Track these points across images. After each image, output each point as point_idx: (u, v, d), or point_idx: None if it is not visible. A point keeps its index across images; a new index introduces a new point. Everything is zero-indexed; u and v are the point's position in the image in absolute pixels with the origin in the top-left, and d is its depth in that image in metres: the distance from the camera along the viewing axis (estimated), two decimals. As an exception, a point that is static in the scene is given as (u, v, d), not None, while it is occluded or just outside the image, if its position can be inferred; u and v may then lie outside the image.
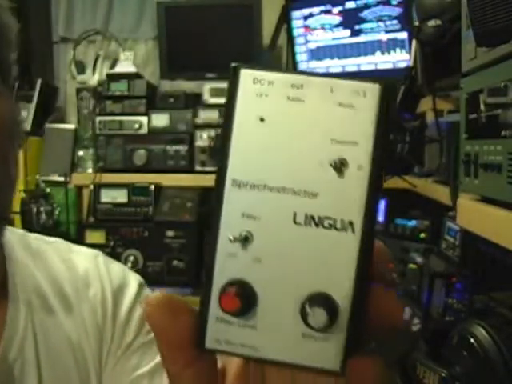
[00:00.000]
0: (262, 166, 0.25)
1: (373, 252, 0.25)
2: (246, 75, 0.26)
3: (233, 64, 0.26)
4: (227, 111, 0.25)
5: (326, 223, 0.25)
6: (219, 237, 0.25)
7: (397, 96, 0.25)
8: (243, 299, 0.24)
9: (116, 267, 0.68)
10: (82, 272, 0.63)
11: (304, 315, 0.24)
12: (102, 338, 0.61)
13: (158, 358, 0.62)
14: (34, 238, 0.66)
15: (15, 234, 0.63)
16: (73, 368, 0.58)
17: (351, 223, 0.25)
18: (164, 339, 0.25)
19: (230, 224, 0.25)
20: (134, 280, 0.67)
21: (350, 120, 0.24)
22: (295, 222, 0.25)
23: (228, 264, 0.25)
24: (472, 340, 0.73)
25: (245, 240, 0.25)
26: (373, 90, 0.24)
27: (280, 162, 0.25)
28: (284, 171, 0.25)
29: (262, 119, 0.25)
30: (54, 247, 0.65)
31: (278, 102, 0.25)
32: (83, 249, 0.69)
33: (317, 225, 0.25)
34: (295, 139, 0.25)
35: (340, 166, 0.24)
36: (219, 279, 0.25)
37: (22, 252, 0.62)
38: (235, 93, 0.25)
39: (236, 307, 0.24)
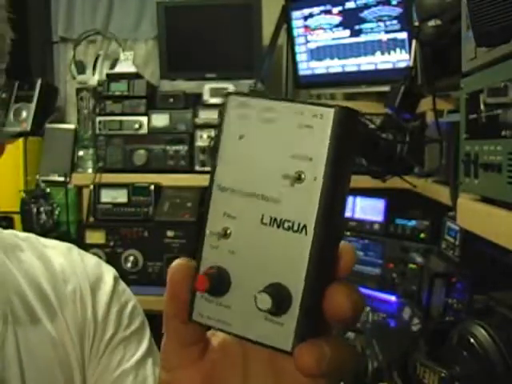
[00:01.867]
0: (240, 175, 0.30)
1: (331, 252, 0.30)
2: (234, 100, 0.31)
3: (226, 90, 0.30)
4: (218, 129, 0.31)
5: (285, 225, 0.29)
6: (206, 230, 0.31)
7: (358, 121, 0.25)
8: (215, 281, 0.30)
9: (91, 260, 0.68)
10: (58, 268, 0.63)
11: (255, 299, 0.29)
12: (84, 334, 0.62)
13: (140, 351, 0.64)
14: (7, 233, 0.66)
15: None
16: (56, 366, 0.58)
17: (305, 226, 0.29)
18: (177, 298, 0.32)
19: (214, 221, 0.31)
20: (109, 274, 0.67)
21: (308, 138, 0.29)
22: (262, 222, 0.30)
23: (211, 253, 0.31)
24: (472, 340, 0.73)
25: (224, 235, 0.31)
26: (328, 113, 0.28)
27: (253, 172, 0.30)
28: (255, 180, 0.30)
29: (241, 137, 0.30)
30: (27, 243, 0.65)
31: (254, 123, 0.30)
32: (55, 242, 0.68)
33: (278, 226, 0.29)
34: (265, 154, 0.30)
35: (298, 178, 0.29)
36: (204, 265, 0.31)
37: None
38: (224, 114, 0.31)
39: (205, 287, 0.30)
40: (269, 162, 0.30)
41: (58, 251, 0.66)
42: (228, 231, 0.30)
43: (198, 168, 1.99)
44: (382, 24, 1.87)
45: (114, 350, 0.63)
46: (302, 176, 0.29)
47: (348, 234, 1.91)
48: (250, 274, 0.30)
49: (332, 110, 0.28)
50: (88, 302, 0.63)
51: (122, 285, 0.68)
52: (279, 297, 0.28)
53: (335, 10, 1.97)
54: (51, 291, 0.61)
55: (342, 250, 0.30)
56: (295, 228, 0.29)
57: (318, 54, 2.06)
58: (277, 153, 0.29)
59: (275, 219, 0.29)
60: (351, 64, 1.98)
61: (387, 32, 1.87)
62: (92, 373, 0.62)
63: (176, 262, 0.33)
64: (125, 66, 2.09)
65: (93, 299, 0.63)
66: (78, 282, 0.63)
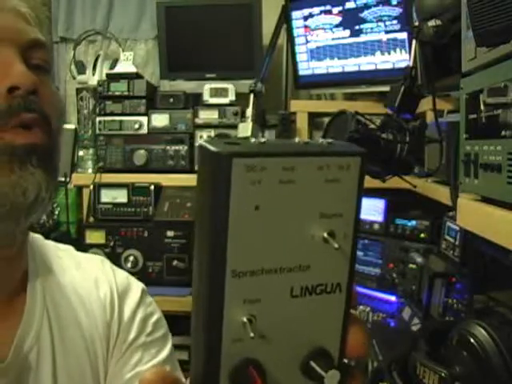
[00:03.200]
0: (259, 252, 0.25)
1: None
2: (239, 165, 0.24)
3: (214, 149, 0.24)
4: (220, 203, 0.24)
5: (318, 290, 0.27)
6: (224, 327, 0.25)
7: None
8: (264, 379, 0.26)
9: (122, 273, 0.74)
10: (92, 276, 0.70)
11: (308, 372, 0.27)
12: (110, 332, 0.67)
13: (158, 358, 0.69)
14: (50, 244, 0.72)
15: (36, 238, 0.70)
16: (84, 357, 0.64)
17: (339, 284, 0.27)
18: None
19: (233, 313, 0.25)
20: (136, 286, 0.74)
21: (336, 194, 0.26)
22: (292, 295, 0.26)
23: (234, 348, 0.26)
24: (472, 340, 0.73)
25: (249, 323, 0.25)
26: (355, 162, 0.26)
27: (275, 244, 0.25)
28: (279, 252, 0.26)
29: (257, 207, 0.25)
30: (67, 254, 0.72)
31: (271, 187, 0.25)
32: (90, 255, 0.77)
33: (310, 293, 0.27)
34: (288, 220, 0.25)
35: (329, 238, 0.26)
36: (227, 365, 0.26)
37: (42, 255, 0.68)
38: (229, 183, 0.24)
39: None
40: (293, 227, 0.26)
41: (93, 263, 0.73)
42: (253, 318, 0.26)
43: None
44: (381, 24, 1.87)
45: (133, 353, 0.68)
46: (334, 235, 0.26)
47: (348, 234, 1.90)
48: (285, 351, 0.27)
49: (359, 159, 0.26)
50: (116, 306, 0.69)
51: (149, 298, 0.74)
52: (331, 362, 0.27)
53: (335, 10, 1.97)
54: (85, 294, 0.68)
55: None
56: (329, 289, 0.27)
57: (318, 54, 2.06)
58: (302, 215, 0.26)
59: (306, 287, 0.27)
60: (351, 64, 1.98)
61: (387, 32, 1.87)
62: (111, 370, 0.66)
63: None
64: (125, 66, 2.09)
65: (121, 304, 0.69)
66: (109, 288, 0.70)
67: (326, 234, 0.26)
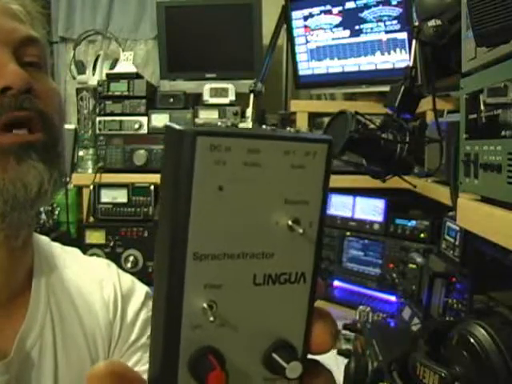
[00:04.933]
0: (222, 235, 0.25)
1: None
2: (204, 143, 0.24)
3: (179, 127, 0.24)
4: (182, 181, 0.24)
5: (282, 279, 0.26)
6: (182, 311, 0.25)
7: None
8: (223, 367, 0.25)
9: (127, 277, 0.75)
10: (98, 276, 0.71)
11: (270, 364, 0.26)
12: (112, 332, 0.68)
13: None
14: (55, 245, 0.73)
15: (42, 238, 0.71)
16: (86, 354, 0.64)
17: (303, 274, 0.26)
18: None
19: (192, 298, 0.25)
20: (141, 288, 0.75)
21: (302, 180, 0.25)
22: (255, 283, 0.26)
23: (193, 335, 0.25)
24: (472, 340, 0.73)
25: (209, 309, 0.25)
26: (322, 149, 0.25)
27: (238, 228, 0.25)
28: (243, 237, 0.25)
29: (220, 188, 0.24)
30: (72, 255, 0.73)
31: (235, 168, 0.24)
32: (97, 258, 0.78)
33: (274, 282, 0.26)
34: (252, 204, 0.25)
35: (294, 225, 0.25)
36: (185, 351, 0.25)
37: (47, 254, 0.69)
38: (192, 161, 0.23)
39: (224, 380, 0.25)
40: (257, 212, 0.25)
41: (99, 265, 0.74)
42: (213, 304, 0.25)
43: (197, 168, 1.98)
44: (381, 24, 1.87)
45: (133, 353, 0.68)
46: (299, 222, 0.25)
47: (348, 233, 1.91)
48: (246, 340, 0.26)
49: (326, 146, 0.26)
50: (119, 307, 0.70)
51: None
52: (294, 355, 0.26)
53: (335, 10, 1.97)
54: (89, 293, 0.69)
55: None
56: (293, 279, 0.26)
57: (318, 54, 2.06)
58: (266, 200, 0.25)
59: (270, 276, 0.26)
60: (351, 64, 1.98)
61: (387, 32, 1.87)
62: None
63: (95, 373, 0.26)
64: (125, 66, 2.09)
65: (124, 305, 0.70)
66: (113, 289, 0.70)
67: (290, 222, 0.25)
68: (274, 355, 0.26)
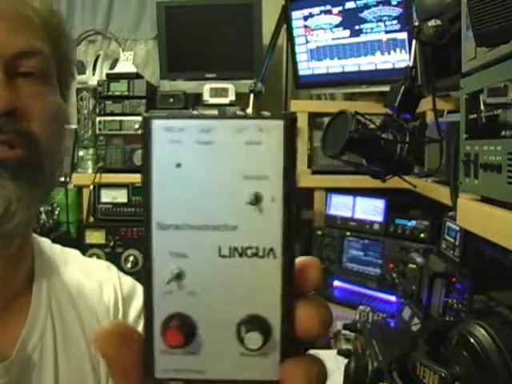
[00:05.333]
0: (184, 208, 0.27)
1: (295, 269, 0.28)
2: (158, 125, 0.27)
3: (144, 114, 0.27)
4: (145, 159, 0.27)
5: (249, 252, 0.27)
6: (153, 277, 0.27)
7: (297, 129, 0.25)
8: (185, 332, 0.27)
9: (128, 279, 0.75)
10: (97, 279, 0.71)
11: (240, 338, 0.27)
12: None
13: None
14: (56, 247, 0.72)
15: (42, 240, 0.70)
16: (86, 357, 0.64)
17: (272, 249, 0.27)
18: (116, 368, 0.28)
19: (161, 264, 0.27)
20: (142, 291, 0.71)
21: (259, 156, 0.27)
22: (221, 255, 0.27)
23: (164, 301, 0.27)
24: (472, 340, 0.73)
25: (177, 277, 0.27)
26: (277, 126, 0.27)
27: (199, 201, 0.27)
28: (204, 210, 0.27)
29: (178, 165, 0.27)
30: (73, 257, 0.73)
31: (190, 146, 0.27)
32: (97, 260, 0.78)
33: (241, 255, 0.27)
34: (211, 179, 0.27)
35: (255, 200, 0.27)
36: (159, 316, 0.27)
37: (48, 257, 0.68)
38: (150, 142, 0.27)
39: (180, 342, 0.27)
40: (217, 187, 0.27)
41: (99, 267, 0.73)
42: (181, 272, 0.27)
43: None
44: (381, 24, 1.87)
45: None
46: (261, 197, 0.27)
47: (348, 233, 1.91)
48: (218, 312, 0.27)
49: (282, 122, 0.27)
50: (120, 309, 0.69)
51: None
52: (263, 330, 0.27)
53: (335, 10, 1.97)
54: (90, 295, 0.68)
55: (306, 263, 0.29)
56: (261, 253, 0.27)
57: (318, 54, 2.06)
58: (225, 176, 0.27)
59: (235, 248, 0.27)
60: (351, 64, 1.98)
61: (387, 32, 1.87)
62: None
63: (100, 332, 0.28)
64: (125, 66, 2.09)
65: (125, 307, 0.70)
66: (114, 291, 0.70)
67: (250, 196, 0.27)
68: (242, 327, 0.27)
